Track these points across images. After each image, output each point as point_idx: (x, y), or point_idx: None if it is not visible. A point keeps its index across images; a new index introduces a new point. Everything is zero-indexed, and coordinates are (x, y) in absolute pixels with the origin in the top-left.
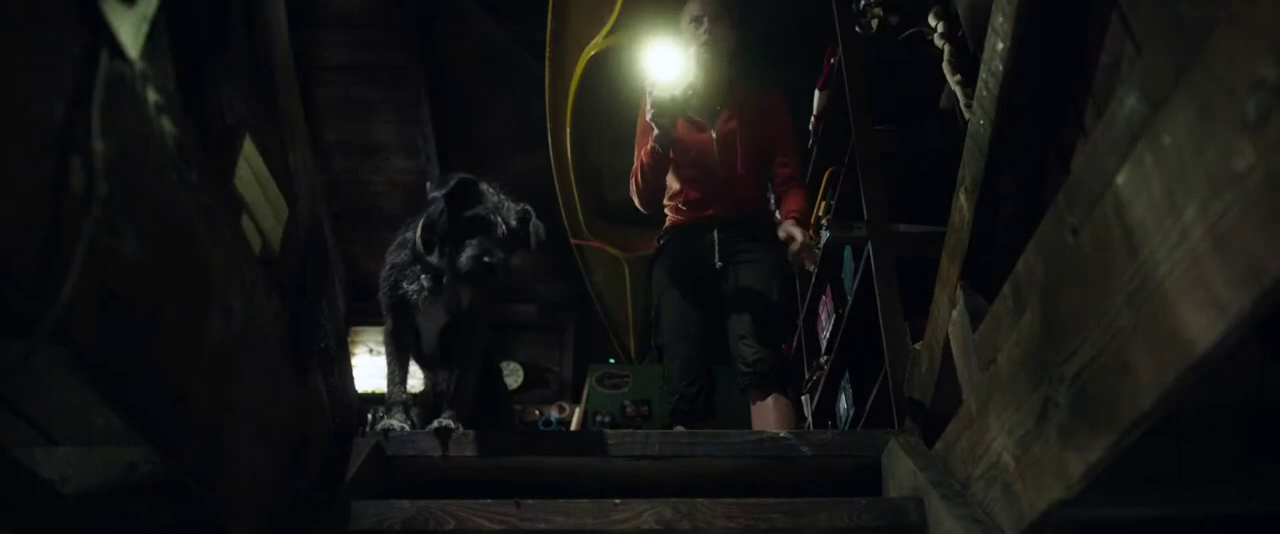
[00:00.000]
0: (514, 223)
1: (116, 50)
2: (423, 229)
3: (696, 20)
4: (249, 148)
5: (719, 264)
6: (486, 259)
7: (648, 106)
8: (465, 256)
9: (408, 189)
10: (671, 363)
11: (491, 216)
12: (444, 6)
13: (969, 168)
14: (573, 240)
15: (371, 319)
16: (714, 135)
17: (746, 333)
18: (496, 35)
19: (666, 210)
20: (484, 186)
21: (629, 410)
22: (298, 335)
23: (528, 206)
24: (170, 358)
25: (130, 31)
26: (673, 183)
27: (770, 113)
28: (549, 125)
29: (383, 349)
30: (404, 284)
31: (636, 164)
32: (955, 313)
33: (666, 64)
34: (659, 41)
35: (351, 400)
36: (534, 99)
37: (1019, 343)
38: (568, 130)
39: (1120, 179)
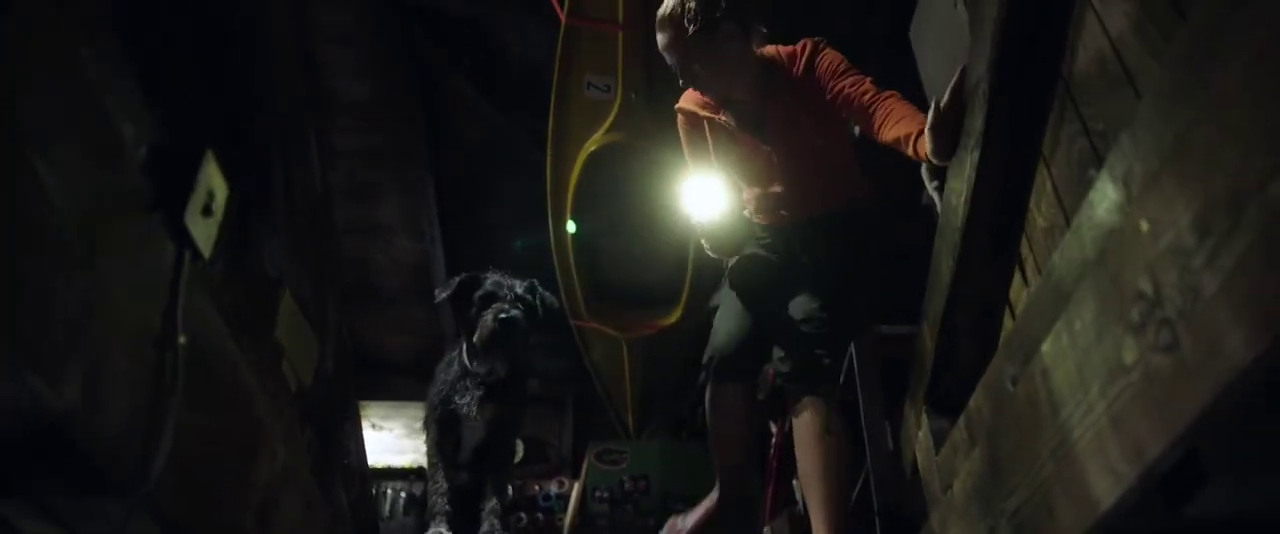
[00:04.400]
0: (521, 291)
1: (196, 254)
2: (467, 349)
3: (675, 68)
4: (287, 297)
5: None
6: (503, 314)
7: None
8: (485, 322)
9: (413, 268)
10: (714, 337)
11: (499, 290)
12: (450, 97)
13: (931, 302)
14: (572, 321)
15: (373, 395)
16: (765, 146)
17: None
18: (500, 124)
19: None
20: (485, 276)
21: (627, 486)
22: (326, 460)
23: (533, 281)
24: (227, 501)
25: (205, 236)
26: (743, 190)
27: (809, 75)
28: (550, 212)
29: (384, 425)
30: (455, 399)
31: None
32: (921, 434)
33: (704, 199)
34: (690, 179)
35: (371, 511)
36: (536, 183)
37: (970, 473)
38: (568, 219)
39: (1046, 346)
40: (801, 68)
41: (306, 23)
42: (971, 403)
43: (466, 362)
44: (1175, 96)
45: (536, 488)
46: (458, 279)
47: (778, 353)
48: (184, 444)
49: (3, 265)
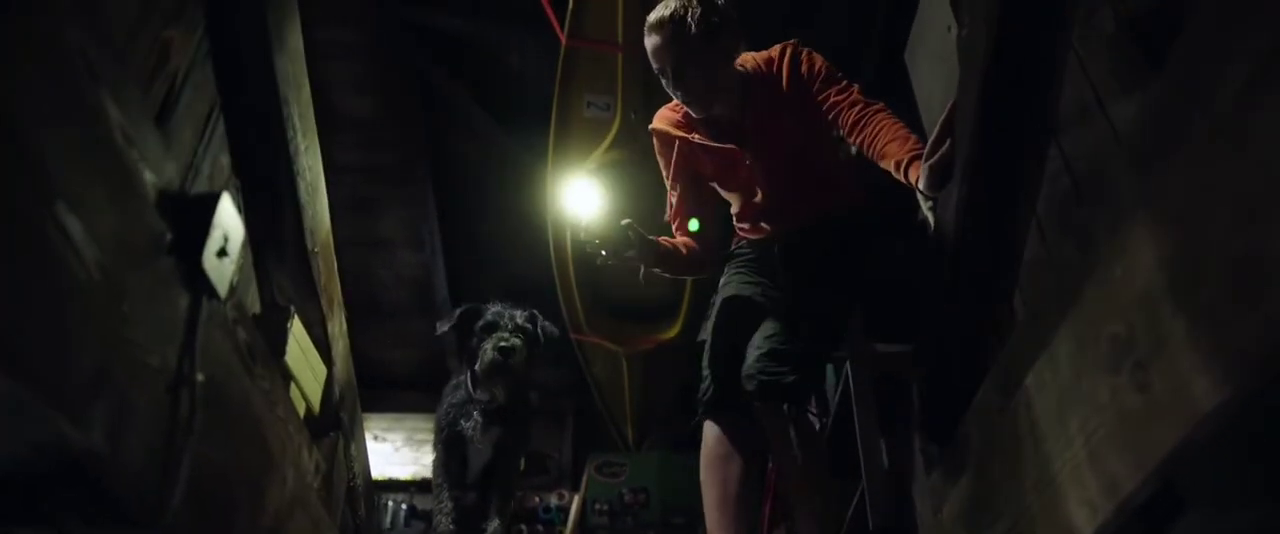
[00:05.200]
0: (521, 321)
1: (212, 294)
2: (470, 377)
3: (663, 74)
4: (296, 325)
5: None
6: (503, 344)
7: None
8: (486, 353)
9: (414, 282)
10: (704, 355)
11: (499, 320)
12: (451, 112)
13: (924, 327)
14: (572, 335)
15: (375, 407)
16: (749, 160)
17: (760, 344)
18: (501, 139)
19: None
20: (486, 307)
21: (627, 499)
22: (333, 483)
23: (534, 311)
24: (239, 528)
25: (221, 277)
26: (730, 203)
27: (791, 81)
28: (550, 230)
29: (386, 437)
30: (461, 421)
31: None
32: (913, 457)
33: (583, 203)
34: (571, 184)
35: (374, 524)
36: (536, 197)
37: (959, 498)
38: (568, 235)
39: (1029, 379)
40: (784, 72)
41: (309, 40)
42: (962, 429)
43: (470, 389)
44: (1149, 147)
45: (536, 500)
46: (459, 311)
47: (744, 370)
48: (199, 476)
49: (32, 311)
